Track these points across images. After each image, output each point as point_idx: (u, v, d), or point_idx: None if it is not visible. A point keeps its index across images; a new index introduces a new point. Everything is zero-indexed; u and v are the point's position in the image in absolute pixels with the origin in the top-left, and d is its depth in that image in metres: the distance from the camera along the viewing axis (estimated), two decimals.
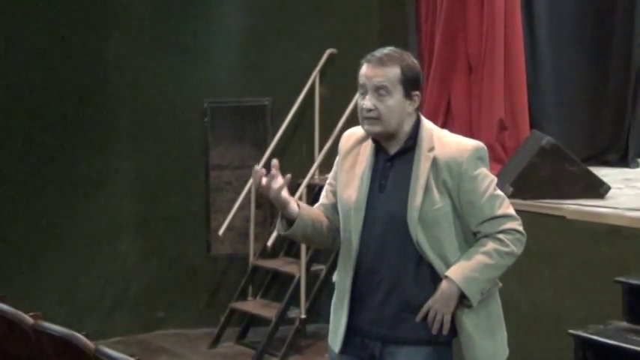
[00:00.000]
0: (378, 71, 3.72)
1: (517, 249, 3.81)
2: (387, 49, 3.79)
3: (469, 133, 8.16)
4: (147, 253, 8.37)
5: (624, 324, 5.47)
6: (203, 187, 8.48)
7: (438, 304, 3.71)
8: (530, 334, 6.58)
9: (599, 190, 6.78)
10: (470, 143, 3.80)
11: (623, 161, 8.72)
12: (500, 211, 3.76)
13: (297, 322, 7.70)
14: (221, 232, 8.15)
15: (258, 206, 8.32)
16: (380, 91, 3.71)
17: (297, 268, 7.81)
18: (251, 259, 8.25)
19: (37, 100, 7.94)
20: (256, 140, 8.57)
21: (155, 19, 8.32)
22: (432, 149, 3.75)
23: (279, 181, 3.73)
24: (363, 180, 3.81)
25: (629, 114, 8.79)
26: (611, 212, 6.24)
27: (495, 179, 3.80)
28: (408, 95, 3.75)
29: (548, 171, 6.75)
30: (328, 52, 8.36)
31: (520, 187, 6.76)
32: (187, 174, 8.45)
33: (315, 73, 8.32)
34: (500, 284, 3.92)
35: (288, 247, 8.33)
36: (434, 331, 3.73)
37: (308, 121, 8.40)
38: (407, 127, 3.79)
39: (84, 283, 8.14)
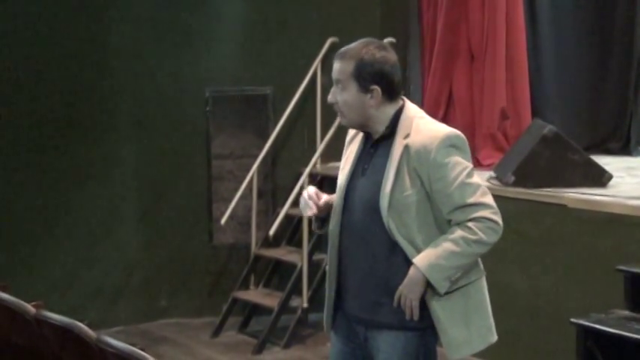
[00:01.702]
0: (337, 65, 3.81)
1: (488, 237, 3.74)
2: (357, 43, 3.83)
3: (471, 122, 8.18)
4: (149, 243, 8.37)
5: (626, 312, 5.48)
6: (205, 177, 8.48)
7: (406, 290, 3.74)
8: (532, 323, 6.59)
9: (600, 178, 6.79)
10: (443, 131, 3.78)
11: (625, 149, 8.73)
12: (471, 199, 3.73)
13: (299, 312, 7.70)
14: (223, 221, 8.14)
15: (260, 195, 8.32)
16: (338, 85, 3.81)
17: (299, 258, 7.81)
18: (253, 248, 8.25)
19: (39, 89, 7.93)
20: (258, 129, 8.56)
21: (156, 7, 8.31)
22: (407, 136, 3.77)
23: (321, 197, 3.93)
24: (349, 165, 3.92)
25: (630, 102, 8.81)
26: (613, 201, 6.24)
27: (470, 167, 3.78)
28: (364, 89, 3.76)
29: (549, 159, 6.75)
30: (330, 41, 8.35)
31: (522, 175, 6.77)
32: (189, 163, 8.44)
33: (317, 62, 8.30)
34: (484, 273, 3.93)
35: (290, 236, 8.33)
36: (407, 317, 3.76)
37: (310, 110, 8.39)
38: (384, 116, 3.81)
39: (86, 272, 8.15)
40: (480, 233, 3.71)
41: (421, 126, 3.79)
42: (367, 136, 3.90)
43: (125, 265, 8.32)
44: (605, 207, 6.18)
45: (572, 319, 5.42)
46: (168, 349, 7.69)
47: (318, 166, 8.08)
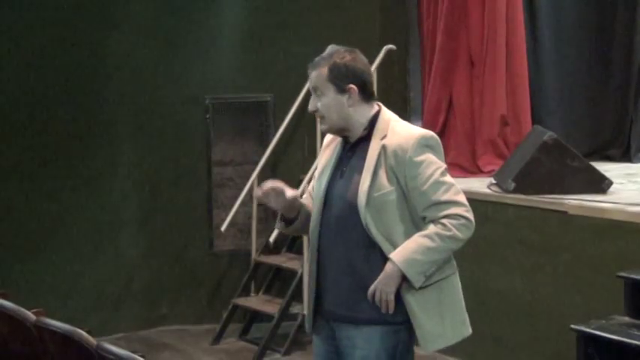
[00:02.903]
0: (312, 74, 4.05)
1: (461, 234, 3.88)
2: (327, 51, 4.08)
3: (471, 129, 8.18)
4: (149, 250, 8.37)
5: (626, 319, 5.47)
6: (205, 184, 8.48)
7: (382, 284, 3.87)
8: (533, 330, 6.59)
9: (601, 185, 6.78)
10: (418, 132, 3.97)
11: (626, 156, 8.72)
12: (444, 197, 3.87)
13: (299, 318, 7.69)
14: (223, 228, 8.14)
15: (260, 203, 8.31)
16: (316, 91, 4.02)
17: (299, 264, 7.81)
18: (253, 255, 8.25)
19: (38, 96, 7.93)
20: (258, 136, 8.57)
21: (156, 14, 8.31)
22: (383, 137, 3.94)
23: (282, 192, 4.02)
24: (327, 169, 4.07)
25: (631, 109, 8.80)
26: (613, 207, 6.23)
27: (444, 167, 3.92)
28: (340, 90, 3.96)
29: (550, 166, 6.75)
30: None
31: (522, 182, 6.77)
32: (189, 170, 8.44)
33: None
34: (457, 270, 4.04)
35: (290, 243, 8.33)
36: (383, 311, 3.88)
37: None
38: (362, 118, 3.99)
39: (86, 279, 8.15)
40: (453, 229, 3.86)
41: (397, 128, 3.97)
42: (345, 141, 4.06)
43: (125, 272, 8.31)
44: (606, 213, 6.17)
45: (573, 326, 5.41)
46: (169, 356, 7.69)
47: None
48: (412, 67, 8.81)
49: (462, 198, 3.91)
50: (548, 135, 6.83)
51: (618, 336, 5.20)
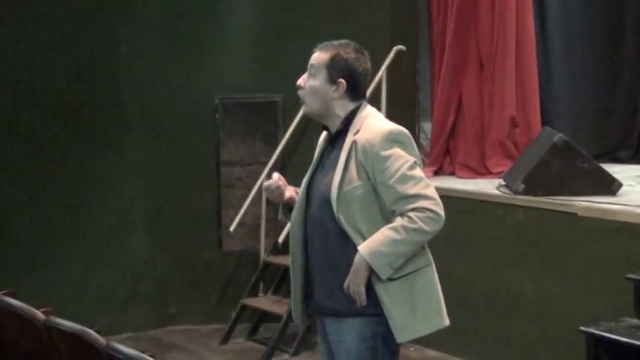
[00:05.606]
0: (315, 54, 4.15)
1: (427, 226, 3.88)
2: (340, 41, 4.15)
3: (481, 130, 8.17)
4: (158, 249, 8.38)
5: (635, 321, 5.46)
6: (214, 184, 8.49)
7: (352, 277, 3.93)
8: (541, 331, 6.58)
9: (610, 186, 6.77)
10: (387, 127, 4.00)
11: (635, 158, 8.71)
12: (412, 191, 3.89)
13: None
14: (232, 228, 8.15)
15: (269, 202, 8.32)
16: (310, 70, 4.12)
17: None
18: (262, 255, 8.25)
19: (48, 95, 7.94)
20: (267, 136, 8.57)
21: (167, 14, 8.33)
22: (356, 132, 4.01)
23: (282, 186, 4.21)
24: (312, 165, 4.21)
25: None
26: (623, 209, 6.23)
27: (412, 160, 3.94)
28: (331, 80, 4.05)
29: (559, 168, 6.74)
30: None
31: (532, 183, 6.76)
32: (198, 170, 8.45)
33: None
34: (432, 262, 4.06)
35: None
36: (358, 304, 3.93)
37: None
38: (341, 112, 4.08)
39: (95, 279, 8.16)
40: (419, 222, 3.87)
41: (371, 123, 4.03)
42: (328, 136, 4.18)
43: (134, 272, 8.33)
44: (615, 215, 6.17)
45: (582, 328, 5.40)
46: (177, 355, 7.70)
47: None
48: (422, 68, 8.81)
49: (431, 191, 3.93)
50: (558, 136, 6.82)
51: (627, 338, 5.19)
